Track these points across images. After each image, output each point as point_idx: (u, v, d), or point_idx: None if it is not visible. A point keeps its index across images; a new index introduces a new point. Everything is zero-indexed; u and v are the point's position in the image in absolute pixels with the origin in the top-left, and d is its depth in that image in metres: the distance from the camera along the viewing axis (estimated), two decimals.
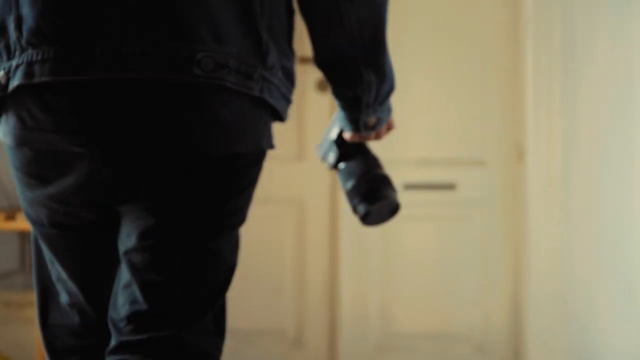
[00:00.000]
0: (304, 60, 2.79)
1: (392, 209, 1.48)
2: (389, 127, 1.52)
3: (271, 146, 1.35)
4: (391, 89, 1.42)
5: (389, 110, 1.47)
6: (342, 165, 1.51)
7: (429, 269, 3.27)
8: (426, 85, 3.21)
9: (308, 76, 3.09)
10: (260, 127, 1.31)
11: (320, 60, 1.37)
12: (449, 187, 3.26)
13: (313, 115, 3.18)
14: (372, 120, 1.43)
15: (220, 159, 1.27)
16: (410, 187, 3.30)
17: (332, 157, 1.52)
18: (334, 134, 1.51)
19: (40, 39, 1.20)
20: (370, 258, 3.28)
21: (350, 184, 1.49)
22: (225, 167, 1.28)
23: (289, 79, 1.34)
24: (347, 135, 1.49)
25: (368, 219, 1.48)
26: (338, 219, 3.26)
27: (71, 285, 1.36)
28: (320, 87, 3.17)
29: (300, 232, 3.27)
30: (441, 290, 3.26)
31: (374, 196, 1.47)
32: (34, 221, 1.35)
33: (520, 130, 3.19)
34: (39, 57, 1.19)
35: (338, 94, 1.42)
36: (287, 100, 1.36)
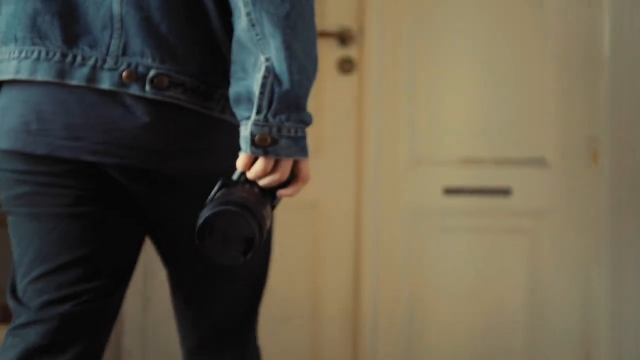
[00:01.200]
0: (322, 35, 2.60)
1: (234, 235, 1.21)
2: (299, 177, 1.32)
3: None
4: (298, 105, 1.27)
5: (297, 141, 1.28)
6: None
7: (474, 294, 2.79)
8: (471, 70, 2.78)
9: (327, 54, 2.71)
10: (223, 146, 1.32)
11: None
12: (502, 192, 2.79)
13: (333, 102, 2.78)
14: (264, 136, 1.26)
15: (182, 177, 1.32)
16: (451, 191, 2.79)
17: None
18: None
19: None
20: (402, 280, 2.80)
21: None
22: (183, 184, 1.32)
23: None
24: (239, 161, 1.33)
25: (206, 244, 1.21)
26: (363, 230, 2.81)
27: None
28: (343, 67, 2.77)
29: (316, 245, 2.81)
30: (489, 323, 2.79)
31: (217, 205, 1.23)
32: None
33: (594, 124, 2.73)
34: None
35: (233, 97, 1.33)
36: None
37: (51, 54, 1.27)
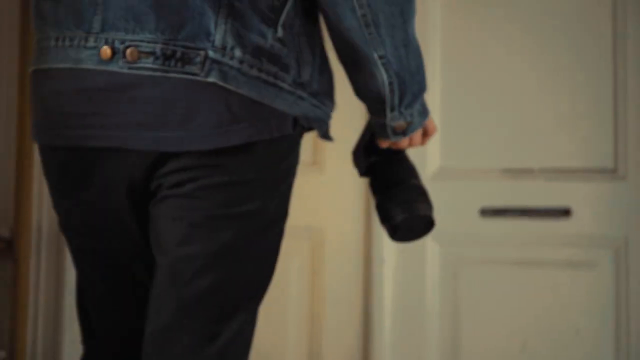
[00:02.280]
0: None
1: (427, 224, 1.43)
2: (427, 132, 1.46)
3: (271, 133, 1.29)
4: (420, 89, 1.37)
5: (422, 113, 1.40)
6: (374, 173, 1.47)
7: (528, 350, 2.18)
8: (517, 64, 2.25)
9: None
10: (220, 113, 1.26)
11: (335, 49, 1.35)
12: (559, 213, 2.20)
13: (337, 102, 2.22)
14: (400, 124, 1.38)
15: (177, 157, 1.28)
16: (490, 212, 2.22)
17: (362, 163, 1.47)
18: (365, 138, 1.47)
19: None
20: (429, 332, 2.24)
21: (382, 193, 1.44)
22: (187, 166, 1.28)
23: (273, 60, 1.27)
24: (379, 140, 1.45)
25: (399, 232, 1.42)
26: (373, 263, 2.27)
27: None
28: None
29: (314, 282, 2.34)
30: None
31: (409, 206, 1.41)
32: None
33: None
34: None
35: (359, 95, 1.38)
36: (275, 86, 1.28)
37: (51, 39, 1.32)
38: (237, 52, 1.24)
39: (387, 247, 2.22)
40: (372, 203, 2.21)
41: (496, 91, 2.21)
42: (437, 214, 2.18)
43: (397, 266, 2.23)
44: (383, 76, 1.30)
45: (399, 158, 1.45)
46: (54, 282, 2.21)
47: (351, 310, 2.28)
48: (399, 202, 1.40)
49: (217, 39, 1.23)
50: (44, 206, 2.20)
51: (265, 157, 1.28)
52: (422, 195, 1.42)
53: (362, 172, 1.46)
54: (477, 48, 2.22)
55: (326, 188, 2.30)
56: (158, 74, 1.23)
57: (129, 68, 1.23)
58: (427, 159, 2.22)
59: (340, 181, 2.29)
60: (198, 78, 1.23)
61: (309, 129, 1.34)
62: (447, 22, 2.22)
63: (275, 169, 1.31)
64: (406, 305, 2.23)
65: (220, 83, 1.23)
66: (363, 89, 1.34)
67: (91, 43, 1.25)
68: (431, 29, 2.22)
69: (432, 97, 2.18)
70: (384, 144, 1.43)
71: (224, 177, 1.25)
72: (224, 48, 1.24)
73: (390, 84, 1.31)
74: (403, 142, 1.42)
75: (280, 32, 1.26)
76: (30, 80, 1.34)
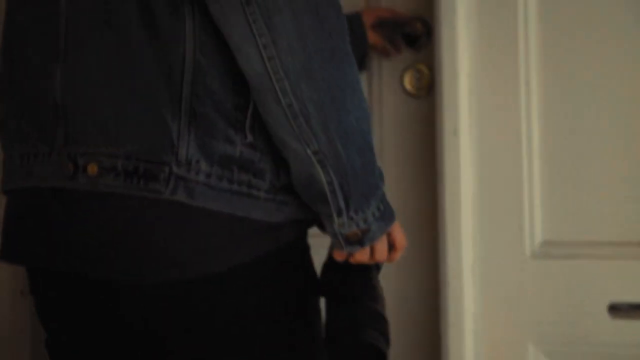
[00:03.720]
0: None
1: (376, 357, 1.22)
2: (395, 246, 1.24)
3: (246, 257, 1.16)
4: (371, 188, 1.17)
5: (381, 218, 1.19)
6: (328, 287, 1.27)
7: None
8: None
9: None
10: (189, 238, 1.15)
11: None
12: None
13: (391, 140, 1.75)
14: (354, 232, 1.18)
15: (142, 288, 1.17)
16: (624, 309, 1.45)
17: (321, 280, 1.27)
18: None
19: None
20: None
21: (329, 309, 1.25)
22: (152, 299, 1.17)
23: (244, 167, 1.16)
24: (334, 251, 1.24)
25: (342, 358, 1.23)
26: None
27: None
28: (409, 82, 1.69)
29: None
30: None
31: (356, 330, 1.22)
32: None
33: None
34: None
35: (301, 196, 1.20)
36: (249, 196, 1.16)
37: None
38: (204, 166, 1.14)
39: (466, 353, 1.52)
40: (443, 284, 1.56)
41: (620, 132, 1.49)
42: (539, 312, 1.50)
43: None
44: (320, 175, 1.14)
45: (359, 271, 1.25)
46: None
47: None
48: (346, 323, 1.24)
49: (181, 152, 1.14)
50: None
51: (248, 284, 1.16)
52: (376, 321, 1.24)
53: (319, 291, 1.26)
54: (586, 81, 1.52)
55: None
56: (119, 191, 1.14)
57: (91, 185, 1.15)
58: (524, 229, 1.52)
59: None
60: (163, 197, 1.13)
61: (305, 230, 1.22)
62: (546, 57, 1.55)
63: (263, 301, 1.16)
64: None
65: (187, 201, 1.14)
66: (301, 188, 1.17)
67: (54, 158, 1.18)
68: (531, 62, 1.54)
69: (529, 133, 1.50)
70: (340, 256, 1.22)
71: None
72: (189, 163, 1.14)
73: (330, 183, 1.15)
74: (362, 254, 1.21)
75: (249, 137, 1.15)
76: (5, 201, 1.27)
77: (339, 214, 1.16)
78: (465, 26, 1.47)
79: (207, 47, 1.13)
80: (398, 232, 1.23)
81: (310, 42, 1.09)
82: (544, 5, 1.50)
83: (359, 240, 1.18)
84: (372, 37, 1.61)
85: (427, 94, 1.60)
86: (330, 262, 1.24)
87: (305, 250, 1.23)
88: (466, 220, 1.50)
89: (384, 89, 1.65)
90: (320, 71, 1.10)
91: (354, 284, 1.25)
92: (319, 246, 1.26)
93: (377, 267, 1.28)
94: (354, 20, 1.56)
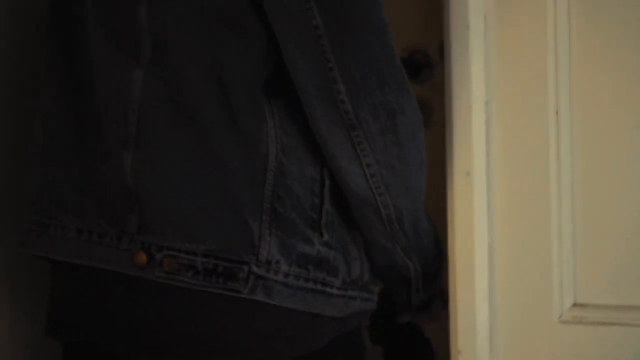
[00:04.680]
0: None
1: None
2: None
3: (322, 343, 1.24)
4: (439, 269, 1.35)
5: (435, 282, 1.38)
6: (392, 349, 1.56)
7: None
8: None
9: None
10: (264, 335, 1.20)
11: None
12: None
13: None
14: (422, 300, 1.36)
15: None
16: None
17: (379, 332, 1.56)
18: (385, 309, 1.43)
19: None
20: None
21: None
22: None
23: (320, 266, 1.22)
24: (399, 314, 1.55)
25: None
26: None
27: None
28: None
29: None
30: None
31: None
32: None
33: None
34: None
35: (380, 278, 1.32)
36: (323, 294, 1.23)
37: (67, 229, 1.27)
38: (283, 266, 1.18)
39: None
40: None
41: None
42: None
43: None
44: (405, 262, 1.28)
45: (421, 342, 1.53)
46: None
47: None
48: None
49: (262, 253, 1.17)
50: None
51: None
52: None
53: (376, 340, 1.52)
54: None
55: None
56: (197, 288, 1.17)
57: (167, 279, 1.17)
58: (552, 289, 1.27)
59: None
60: (241, 295, 1.17)
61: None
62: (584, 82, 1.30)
63: None
64: None
65: (265, 300, 1.18)
66: (382, 272, 1.29)
67: (124, 245, 1.19)
68: (561, 87, 1.30)
69: (559, 176, 1.26)
70: (405, 319, 1.48)
71: None
72: (269, 263, 1.18)
73: (414, 270, 1.29)
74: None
75: (325, 236, 1.21)
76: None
77: (417, 292, 1.31)
78: (481, 44, 1.24)
79: (287, 149, 1.18)
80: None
81: (409, 160, 1.19)
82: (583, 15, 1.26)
83: (426, 305, 1.45)
84: None
85: (436, 128, 1.40)
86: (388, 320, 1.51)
87: (360, 332, 1.33)
88: (481, 278, 1.27)
89: None
90: (415, 183, 1.21)
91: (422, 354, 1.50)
92: None
93: None
94: None
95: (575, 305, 1.26)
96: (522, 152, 1.27)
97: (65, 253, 1.24)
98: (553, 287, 1.26)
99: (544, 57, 1.25)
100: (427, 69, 1.58)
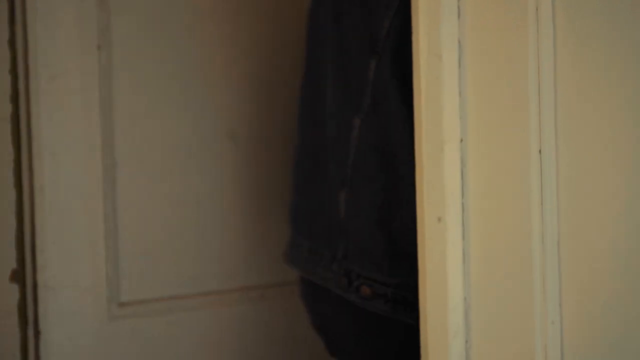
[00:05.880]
0: None
1: None
2: None
3: None
4: None
5: None
6: None
7: None
8: None
9: None
10: None
11: None
12: None
13: None
14: None
15: None
16: None
17: None
18: None
19: None
20: None
21: None
22: None
23: None
24: None
25: None
26: None
27: None
28: None
29: None
30: None
31: None
32: None
33: None
34: None
35: None
36: None
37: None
38: None
39: None
40: None
41: None
42: None
43: None
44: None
45: None
46: None
47: None
48: None
49: None
50: None
51: None
52: None
53: None
54: None
55: None
56: (387, 314, 1.32)
57: (362, 304, 1.33)
58: (535, 350, 1.13)
59: None
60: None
61: None
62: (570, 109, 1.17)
63: None
64: None
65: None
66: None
67: (335, 267, 1.36)
68: (545, 122, 1.17)
69: (543, 226, 1.12)
70: None
71: None
72: None
73: None
74: None
75: None
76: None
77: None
78: (454, 74, 1.11)
79: None
80: None
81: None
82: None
83: None
84: None
85: None
86: None
87: None
88: (455, 340, 1.12)
89: None
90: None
91: None
92: None
93: None
94: None
95: None
96: (501, 196, 1.13)
97: (300, 266, 1.44)
98: (536, 348, 1.12)
99: (525, 90, 1.12)
100: None
